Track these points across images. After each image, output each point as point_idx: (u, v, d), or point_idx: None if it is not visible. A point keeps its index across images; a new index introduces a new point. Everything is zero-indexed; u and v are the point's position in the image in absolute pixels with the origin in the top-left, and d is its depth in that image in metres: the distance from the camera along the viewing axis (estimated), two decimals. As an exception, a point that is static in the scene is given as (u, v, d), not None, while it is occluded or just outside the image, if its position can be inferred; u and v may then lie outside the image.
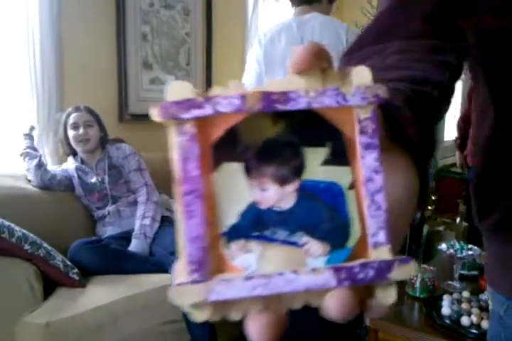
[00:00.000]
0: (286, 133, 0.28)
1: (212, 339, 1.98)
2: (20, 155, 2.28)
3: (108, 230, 2.36)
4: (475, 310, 1.49)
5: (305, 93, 0.27)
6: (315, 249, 0.27)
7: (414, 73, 0.42)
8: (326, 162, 0.28)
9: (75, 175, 2.40)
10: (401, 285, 1.77)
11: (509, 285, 0.64)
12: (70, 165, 2.43)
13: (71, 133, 2.36)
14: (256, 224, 0.27)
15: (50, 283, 1.90)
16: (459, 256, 1.72)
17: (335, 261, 0.27)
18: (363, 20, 3.97)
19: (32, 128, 2.34)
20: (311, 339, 1.99)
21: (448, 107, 0.49)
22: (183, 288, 0.26)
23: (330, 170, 0.28)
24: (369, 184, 0.27)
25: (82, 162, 2.44)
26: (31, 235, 1.87)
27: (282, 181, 0.28)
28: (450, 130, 5.59)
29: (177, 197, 0.27)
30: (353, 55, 0.52)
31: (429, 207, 3.56)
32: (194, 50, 3.43)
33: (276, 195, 0.28)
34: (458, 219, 2.36)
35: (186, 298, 0.26)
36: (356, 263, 0.26)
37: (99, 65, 2.89)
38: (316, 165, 0.28)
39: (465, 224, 2.62)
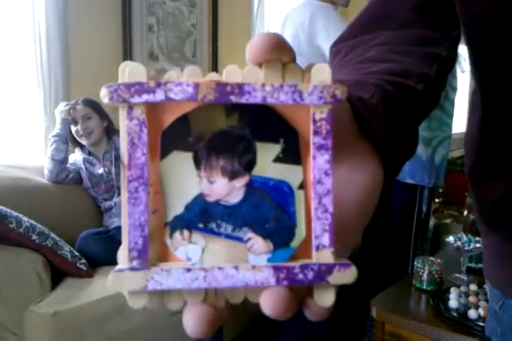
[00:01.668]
0: (240, 126, 0.27)
1: (218, 330, 1.99)
2: (50, 139, 2.31)
3: (115, 221, 2.36)
4: (482, 303, 1.49)
5: (261, 87, 0.26)
6: (258, 246, 0.27)
7: (398, 66, 0.41)
8: (278, 159, 0.27)
9: (83, 166, 2.40)
10: (408, 277, 1.77)
11: (505, 282, 0.63)
12: (78, 156, 2.44)
13: (73, 129, 2.39)
14: (201, 216, 0.27)
15: (57, 273, 1.91)
16: (466, 248, 1.72)
17: (277, 259, 0.26)
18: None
19: (68, 112, 2.34)
20: (316, 334, 1.99)
21: (437, 102, 0.47)
22: (122, 275, 0.25)
23: (281, 167, 0.27)
24: (318, 186, 0.27)
25: (90, 153, 2.45)
26: (39, 225, 1.88)
27: (231, 175, 0.27)
28: (457, 123, 5.56)
29: (122, 182, 0.26)
30: (342, 45, 0.51)
31: (437, 200, 3.55)
32: (200, 42, 3.42)
33: (224, 189, 0.27)
34: (465, 212, 2.35)
35: (125, 284, 0.25)
36: (297, 263, 0.26)
37: (104, 55, 2.88)
38: (267, 162, 0.27)
39: (472, 216, 2.60)
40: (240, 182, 0.27)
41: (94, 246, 2.07)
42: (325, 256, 0.26)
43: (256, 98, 0.26)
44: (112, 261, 1.91)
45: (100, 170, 2.40)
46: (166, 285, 0.25)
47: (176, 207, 0.27)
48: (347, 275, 0.26)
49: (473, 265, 1.84)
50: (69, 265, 1.91)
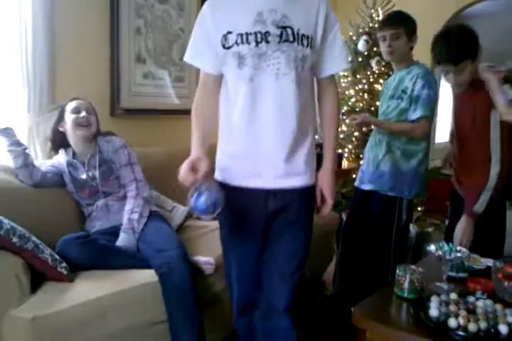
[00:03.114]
0: None
1: (200, 336, 1.97)
2: (7, 152, 2.24)
3: (96, 225, 2.34)
4: (462, 312, 1.49)
5: None
6: None
7: None
8: None
9: (66, 170, 2.37)
10: (389, 285, 1.78)
11: None
12: (61, 158, 2.40)
13: (71, 116, 2.34)
14: None
15: (37, 277, 1.89)
16: (447, 257, 1.73)
17: None
18: (358, 19, 3.98)
19: (7, 128, 2.23)
20: None
21: None
22: None
23: None
24: None
25: (74, 155, 2.41)
26: (20, 228, 1.85)
27: None
28: (440, 132, 5.62)
29: None
30: None
31: (419, 208, 3.57)
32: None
33: None
34: (447, 221, 2.37)
35: None
36: None
37: (91, 58, 2.87)
38: None
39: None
40: None
41: (74, 250, 2.04)
42: None
43: None
44: (92, 266, 1.88)
45: (84, 175, 2.36)
46: None
47: None
48: None
49: (454, 274, 1.85)
50: (49, 269, 1.89)
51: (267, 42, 1.50)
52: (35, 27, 2.48)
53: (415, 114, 2.40)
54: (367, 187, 2.61)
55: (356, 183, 2.72)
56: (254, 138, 1.58)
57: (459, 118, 2.23)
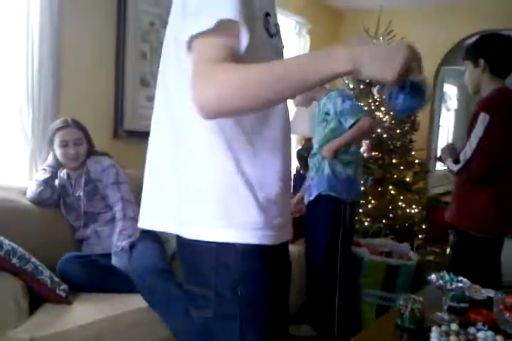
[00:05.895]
0: None
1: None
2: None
3: (97, 250, 2.31)
4: (463, 343, 1.48)
5: None
6: None
7: None
8: None
9: (59, 193, 2.36)
10: (390, 314, 1.76)
11: None
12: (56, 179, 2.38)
13: (60, 150, 2.30)
14: None
15: (36, 298, 1.88)
16: (448, 287, 1.72)
17: None
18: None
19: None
20: None
21: None
22: None
23: None
24: None
25: (68, 177, 2.38)
26: (20, 249, 1.85)
27: None
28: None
29: None
30: None
31: (420, 236, 3.57)
32: (192, 70, 3.45)
33: None
34: (448, 249, 2.37)
35: None
36: None
37: (97, 80, 2.90)
38: None
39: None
40: None
41: (76, 269, 2.03)
42: None
43: None
44: (92, 286, 1.84)
45: (71, 197, 2.35)
46: None
47: None
48: None
49: (455, 304, 1.84)
50: (48, 291, 1.88)
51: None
52: (42, 48, 2.50)
53: (348, 122, 2.62)
54: (313, 195, 2.76)
55: (306, 200, 2.86)
56: (288, 158, 1.09)
57: None
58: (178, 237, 1.03)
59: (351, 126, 2.62)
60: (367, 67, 0.83)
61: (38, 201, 2.27)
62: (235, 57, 0.87)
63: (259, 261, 0.98)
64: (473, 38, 4.01)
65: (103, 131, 2.83)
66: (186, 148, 0.99)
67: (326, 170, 2.73)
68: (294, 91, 0.87)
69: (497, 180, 2.19)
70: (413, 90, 0.94)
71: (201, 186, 0.97)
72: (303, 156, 3.73)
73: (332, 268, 2.75)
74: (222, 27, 0.85)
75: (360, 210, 3.67)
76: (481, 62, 2.20)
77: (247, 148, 0.97)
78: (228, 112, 0.88)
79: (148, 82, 3.21)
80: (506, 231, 2.29)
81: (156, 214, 1.08)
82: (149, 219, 1.11)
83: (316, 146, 2.80)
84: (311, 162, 2.85)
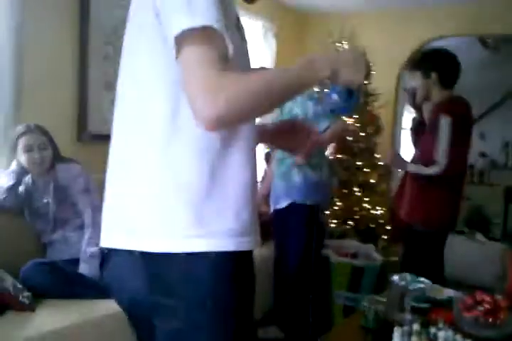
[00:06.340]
0: None
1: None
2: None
3: (58, 256, 2.27)
4: (424, 343, 1.52)
5: None
6: None
7: None
8: None
9: (24, 199, 2.31)
10: (354, 315, 1.80)
11: None
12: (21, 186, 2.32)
13: (24, 155, 2.26)
14: None
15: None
16: (410, 288, 1.77)
17: None
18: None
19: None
20: None
21: None
22: None
23: None
24: None
25: (33, 183, 2.32)
26: (-19, 256, 1.81)
27: None
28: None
29: None
30: None
31: (384, 237, 3.63)
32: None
33: None
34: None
35: None
36: None
37: (59, 82, 2.85)
38: None
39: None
40: None
41: (40, 276, 1.99)
42: None
43: None
44: (57, 293, 1.80)
45: (39, 203, 2.31)
46: None
47: None
48: None
49: (416, 304, 1.88)
50: (11, 298, 1.84)
51: None
52: (2, 52, 2.44)
53: (322, 125, 2.67)
54: (284, 203, 2.76)
55: (272, 207, 2.87)
56: (256, 163, 1.10)
57: None
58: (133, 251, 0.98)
59: (325, 130, 2.65)
60: (343, 71, 0.98)
61: (1, 208, 2.22)
62: (227, 60, 0.89)
63: (230, 269, 0.97)
64: (434, 43, 4.12)
65: (67, 134, 2.79)
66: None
67: (296, 177, 2.73)
68: (289, 98, 1.03)
69: (449, 178, 2.39)
70: (346, 93, 1.05)
71: (171, 195, 0.95)
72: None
73: (306, 272, 2.76)
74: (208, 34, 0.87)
75: (327, 212, 3.71)
76: (433, 74, 2.42)
77: (219, 155, 0.97)
78: (234, 123, 0.96)
79: (113, 85, 3.17)
80: (450, 226, 2.55)
81: (107, 229, 1.05)
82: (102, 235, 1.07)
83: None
84: (277, 168, 2.84)
